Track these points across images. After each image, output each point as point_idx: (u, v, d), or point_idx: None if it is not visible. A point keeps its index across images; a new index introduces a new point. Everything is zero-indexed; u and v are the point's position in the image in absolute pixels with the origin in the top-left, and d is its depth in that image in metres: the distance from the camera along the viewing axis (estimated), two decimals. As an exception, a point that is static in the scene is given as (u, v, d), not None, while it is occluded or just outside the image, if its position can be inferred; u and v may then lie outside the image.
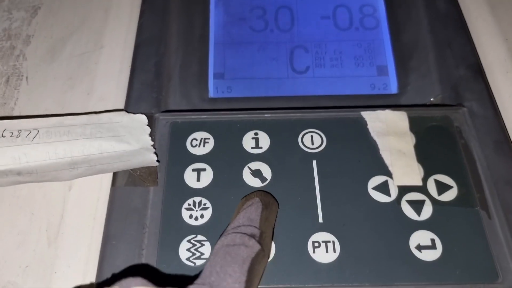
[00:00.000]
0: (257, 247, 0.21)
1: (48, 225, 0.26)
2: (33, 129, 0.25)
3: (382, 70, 0.34)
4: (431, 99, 0.32)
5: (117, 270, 0.24)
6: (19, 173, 0.24)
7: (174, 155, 0.28)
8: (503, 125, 0.28)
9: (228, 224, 0.23)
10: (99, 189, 0.27)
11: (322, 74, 0.34)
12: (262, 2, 0.37)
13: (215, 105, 0.32)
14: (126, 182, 0.27)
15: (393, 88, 0.33)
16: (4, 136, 0.25)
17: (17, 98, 0.31)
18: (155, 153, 0.27)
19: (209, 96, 0.33)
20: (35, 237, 0.25)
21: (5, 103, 0.30)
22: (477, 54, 0.31)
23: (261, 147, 0.28)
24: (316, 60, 0.34)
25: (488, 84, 0.30)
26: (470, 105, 0.29)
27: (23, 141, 0.25)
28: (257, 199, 0.24)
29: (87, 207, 0.27)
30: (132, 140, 0.26)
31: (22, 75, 0.32)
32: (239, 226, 0.22)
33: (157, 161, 0.26)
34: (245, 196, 0.26)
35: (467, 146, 0.28)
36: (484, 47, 0.32)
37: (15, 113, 0.30)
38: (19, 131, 0.25)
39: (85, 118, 0.27)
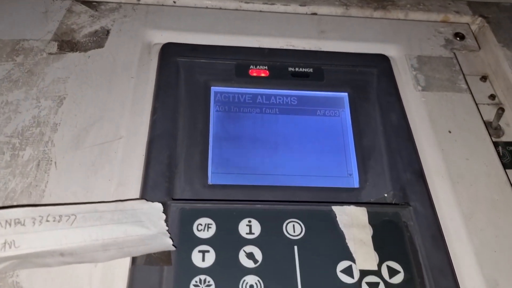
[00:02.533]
0: None
1: (77, 298, 0.31)
2: (72, 215, 0.31)
3: (347, 167, 0.42)
4: (385, 194, 0.40)
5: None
6: (62, 253, 0.30)
7: (183, 238, 0.34)
8: (438, 222, 0.37)
9: None
10: (119, 267, 0.33)
11: (299, 169, 0.42)
12: (253, 104, 0.44)
13: (214, 191, 0.39)
14: (145, 262, 0.33)
15: (356, 183, 0.41)
16: (48, 221, 0.30)
17: (47, 181, 0.36)
18: (170, 237, 0.33)
19: (208, 183, 0.40)
20: (68, 307, 0.31)
21: (36, 185, 0.36)
22: (420, 162, 0.40)
23: (253, 233, 0.35)
24: (295, 157, 0.42)
25: (428, 187, 0.39)
26: (415, 205, 0.38)
27: (64, 225, 0.30)
28: None
29: (109, 283, 0.32)
30: (151, 226, 0.33)
31: (51, 160, 0.37)
32: None
33: (174, 245, 0.33)
34: None
35: (411, 238, 0.36)
36: (425, 155, 0.41)
37: (46, 195, 0.35)
38: (60, 216, 0.31)
39: (113, 205, 0.33)
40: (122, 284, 0.32)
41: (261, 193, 0.39)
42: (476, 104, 0.45)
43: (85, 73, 0.44)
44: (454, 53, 0.50)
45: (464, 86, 0.47)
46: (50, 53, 0.45)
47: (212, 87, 0.45)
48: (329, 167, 0.42)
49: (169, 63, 0.44)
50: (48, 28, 0.47)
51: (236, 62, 0.46)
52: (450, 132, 0.43)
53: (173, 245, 0.33)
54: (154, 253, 0.33)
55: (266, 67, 0.46)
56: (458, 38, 0.51)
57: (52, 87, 0.42)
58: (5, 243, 0.26)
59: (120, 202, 0.33)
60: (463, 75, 0.48)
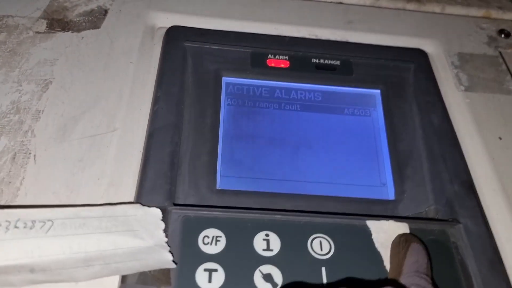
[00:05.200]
0: None
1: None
2: (48, 220, 0.24)
3: (380, 176, 0.36)
4: (426, 208, 0.34)
5: None
6: (32, 269, 0.23)
7: (186, 252, 0.28)
8: (495, 243, 0.31)
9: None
10: (105, 285, 0.26)
11: (325, 175, 0.35)
12: (271, 98, 0.38)
13: (223, 197, 0.33)
14: (137, 280, 0.26)
15: (391, 195, 0.35)
16: (17, 227, 0.24)
17: (23, 178, 0.30)
18: (170, 252, 0.26)
19: (217, 188, 0.33)
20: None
21: (10, 182, 0.29)
22: (469, 172, 0.34)
23: (272, 250, 0.29)
24: (319, 161, 0.36)
25: (480, 201, 0.33)
26: (465, 222, 0.31)
27: (37, 233, 0.24)
28: (420, 246, 0.27)
29: (93, 304, 0.26)
30: (146, 236, 0.26)
31: (30, 153, 0.31)
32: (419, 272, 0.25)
33: (174, 262, 0.26)
34: (402, 234, 0.29)
35: (463, 262, 0.30)
36: (473, 163, 0.35)
37: (21, 193, 0.29)
38: (33, 222, 0.24)
39: (101, 210, 0.26)
40: (108, 309, 0.26)
41: (280, 202, 0.33)
42: (528, 109, 0.39)
43: (77, 56, 0.37)
44: (500, 52, 0.44)
45: (513, 87, 0.41)
46: (38, 32, 0.39)
47: (223, 78, 0.38)
48: (359, 174, 0.36)
49: (175, 48, 0.38)
50: (38, 5, 0.41)
51: (252, 50, 0.40)
52: (500, 138, 0.37)
53: (173, 261, 0.26)
54: (151, 272, 0.26)
55: (287, 57, 0.40)
56: (503, 36, 0.45)
57: (37, 70, 0.36)
58: None
59: (109, 207, 0.27)
60: (511, 75, 0.42)
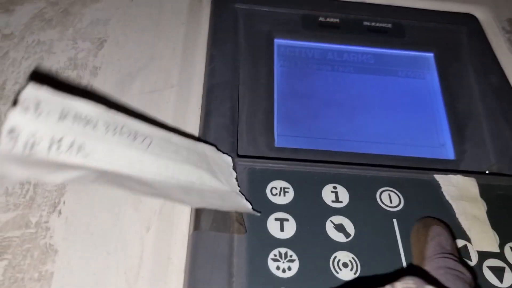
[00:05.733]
0: (470, 277, 0.22)
1: (126, 268, 0.24)
2: (148, 136, 0.23)
3: (439, 136, 0.35)
4: (488, 167, 0.33)
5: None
6: (138, 181, 0.22)
7: (255, 203, 0.27)
8: None
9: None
10: (176, 231, 0.26)
11: (385, 135, 0.35)
12: (324, 60, 0.38)
13: (282, 155, 0.32)
14: (211, 227, 0.25)
15: (450, 154, 0.34)
16: (123, 134, 0.21)
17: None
18: (248, 200, 0.26)
19: (275, 146, 0.33)
20: (113, 279, 0.24)
21: (73, 133, 0.29)
22: (532, 129, 0.33)
23: (341, 201, 0.28)
24: (379, 120, 0.35)
25: (545, 158, 0.32)
26: (534, 177, 0.30)
27: (140, 146, 0.21)
28: (441, 227, 0.26)
29: (165, 250, 0.25)
30: (224, 180, 0.26)
31: (91, 106, 0.30)
32: (444, 253, 0.23)
33: (254, 209, 0.26)
34: (420, 220, 0.27)
35: (535, 216, 0.29)
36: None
37: (84, 145, 0.28)
38: (136, 133, 0.22)
39: (186, 142, 0.25)
40: (180, 254, 0.25)
41: (340, 158, 0.32)
42: None
43: (129, 16, 0.37)
44: (550, 17, 0.43)
45: None
46: (88, -6, 0.38)
47: (275, 39, 0.38)
48: (416, 135, 0.35)
49: (226, 10, 0.38)
50: (86, -32, 0.40)
51: (302, 13, 0.39)
52: (559, 99, 0.36)
53: (253, 208, 0.26)
54: (231, 214, 0.25)
55: (338, 20, 0.39)
56: (552, 2, 0.44)
57: (90, 29, 0.35)
58: (72, 144, 0.18)
59: (192, 141, 0.25)
60: None
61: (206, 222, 0.26)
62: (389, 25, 0.39)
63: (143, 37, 0.36)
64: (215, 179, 0.24)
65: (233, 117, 0.31)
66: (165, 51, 0.35)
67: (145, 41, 0.35)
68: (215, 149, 0.27)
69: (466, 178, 0.30)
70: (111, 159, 0.19)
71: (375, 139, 0.34)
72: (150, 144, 0.21)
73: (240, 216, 0.25)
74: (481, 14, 0.43)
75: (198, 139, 0.30)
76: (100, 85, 0.32)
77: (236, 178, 0.27)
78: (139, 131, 0.21)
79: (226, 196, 0.25)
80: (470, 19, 0.41)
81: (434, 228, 0.26)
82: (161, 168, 0.21)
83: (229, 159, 0.27)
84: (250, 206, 0.25)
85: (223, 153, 0.27)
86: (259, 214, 0.26)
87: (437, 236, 0.25)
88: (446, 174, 0.30)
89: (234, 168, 0.28)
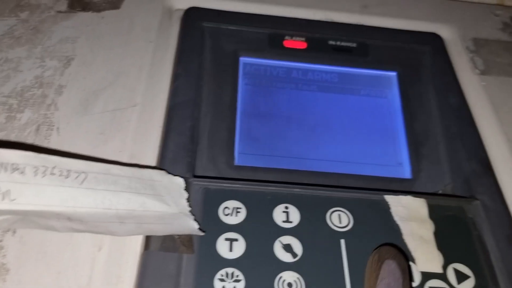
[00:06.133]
0: None
1: (75, 287, 0.25)
2: (82, 172, 0.24)
3: (397, 155, 0.36)
4: (443, 187, 0.34)
5: None
6: (69, 218, 0.23)
7: (207, 223, 0.28)
8: (512, 220, 0.31)
9: None
10: (128, 251, 0.27)
11: (342, 153, 0.36)
12: (287, 78, 0.39)
13: (240, 173, 0.33)
14: (160, 247, 0.26)
15: (407, 173, 0.35)
16: (54, 174, 0.23)
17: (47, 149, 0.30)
18: (195, 220, 0.27)
19: (235, 164, 0.33)
20: (62, 298, 0.24)
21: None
22: (485, 150, 0.34)
23: (291, 222, 0.29)
24: (337, 139, 0.36)
25: (497, 179, 0.33)
26: (483, 199, 0.31)
27: (72, 183, 0.23)
28: (394, 265, 0.25)
29: (115, 269, 0.26)
30: (172, 203, 0.27)
31: (53, 125, 0.31)
32: None
33: (200, 229, 0.27)
34: (376, 251, 0.26)
35: (481, 237, 0.30)
36: (489, 144, 0.35)
37: (44, 164, 0.29)
38: (69, 171, 0.24)
39: (129, 171, 0.26)
40: (131, 273, 0.26)
41: (297, 178, 0.33)
42: (544, 93, 0.39)
43: (98, 34, 0.38)
44: (514, 37, 0.44)
45: (528, 72, 0.41)
46: (59, 11, 0.39)
47: (241, 58, 0.39)
48: (375, 154, 0.36)
49: (193, 28, 0.39)
50: (59, -15, 0.41)
51: (269, 32, 0.40)
52: (516, 120, 0.37)
53: (200, 228, 0.27)
54: (174, 237, 0.26)
55: (304, 39, 0.40)
56: (517, 22, 0.45)
57: (59, 47, 0.36)
58: None
59: (137, 169, 0.27)
60: (526, 60, 0.42)
61: (156, 242, 0.27)
62: (354, 44, 0.40)
63: (110, 54, 0.37)
64: (160, 203, 0.25)
65: (192, 136, 0.32)
66: (131, 69, 0.36)
67: (113, 59, 0.36)
68: (165, 173, 0.28)
69: (416, 198, 0.31)
70: (40, 200, 0.20)
71: (334, 158, 0.35)
72: (84, 180, 0.22)
73: (186, 238, 0.26)
74: (447, 33, 0.44)
75: (160, 157, 0.31)
76: (64, 103, 0.33)
77: (188, 199, 0.28)
78: (73, 168, 0.22)
79: (171, 220, 0.25)
80: (434, 38, 0.42)
81: (386, 265, 0.25)
82: (97, 201, 0.23)
83: (180, 180, 0.28)
84: (196, 227, 0.26)
85: (175, 175, 0.28)
86: (202, 234, 0.27)
87: (387, 276, 0.25)
88: (397, 195, 0.31)
89: (187, 189, 0.29)
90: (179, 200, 0.27)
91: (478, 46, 0.42)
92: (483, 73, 0.40)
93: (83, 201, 0.23)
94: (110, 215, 0.23)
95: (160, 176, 0.27)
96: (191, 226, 0.26)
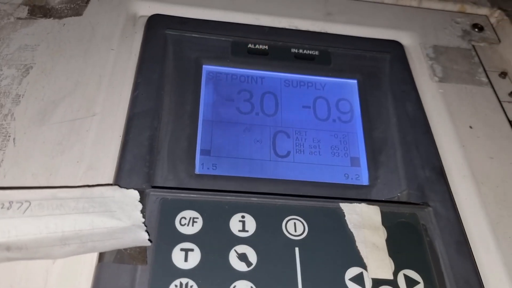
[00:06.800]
0: None
1: (28, 300, 0.25)
2: (25, 201, 0.25)
3: (355, 162, 0.37)
4: (398, 194, 0.35)
5: None
6: (8, 248, 0.24)
7: (163, 233, 0.28)
8: (462, 226, 0.32)
9: None
10: (83, 263, 0.27)
11: (301, 160, 0.36)
12: (250, 86, 0.39)
13: (201, 182, 0.33)
14: (114, 259, 0.27)
15: (365, 180, 0.36)
16: None
17: (2, 160, 0.30)
18: (146, 231, 0.27)
19: (195, 172, 0.34)
20: (14, 312, 0.25)
21: (-11, 164, 0.30)
22: (440, 158, 0.35)
23: (247, 231, 0.29)
24: (297, 146, 0.37)
25: (449, 186, 0.34)
26: (435, 206, 0.32)
27: (14, 214, 0.24)
28: None
29: (70, 282, 0.26)
30: (124, 217, 0.27)
31: (10, 136, 0.31)
32: None
33: (149, 240, 0.27)
34: None
35: (431, 244, 0.31)
36: (444, 151, 0.36)
37: (-1, 175, 0.29)
38: (11, 203, 0.25)
39: (78, 191, 0.27)
40: (86, 285, 0.26)
41: (257, 186, 0.33)
42: (499, 100, 0.41)
43: (58, 42, 0.38)
44: (473, 45, 0.45)
45: (484, 79, 0.42)
46: (19, 18, 0.39)
47: (204, 65, 0.39)
48: (334, 161, 0.37)
49: (156, 36, 0.39)
50: (19, -9, 0.41)
51: (232, 39, 0.40)
52: (471, 127, 0.38)
53: (148, 239, 0.27)
54: (126, 249, 0.27)
55: (266, 47, 0.41)
56: (476, 30, 0.46)
57: (17, 55, 0.36)
58: None
59: (87, 188, 0.27)
60: (483, 68, 0.43)
61: (111, 254, 0.27)
62: (316, 52, 0.41)
63: (71, 63, 0.36)
64: (110, 219, 0.26)
65: (151, 146, 0.32)
66: (91, 78, 0.36)
67: (73, 68, 0.36)
68: (117, 187, 0.28)
69: (370, 206, 0.32)
70: None
71: (294, 166, 0.36)
72: (27, 208, 0.23)
73: (135, 250, 0.27)
74: (408, 41, 0.44)
75: (118, 168, 0.31)
76: (21, 113, 0.33)
77: (143, 210, 0.28)
78: (15, 199, 0.23)
79: (121, 234, 0.26)
80: (395, 46, 0.43)
81: None
82: (40, 227, 0.23)
83: (134, 193, 0.28)
84: (146, 238, 0.27)
85: (130, 187, 0.28)
86: (150, 244, 0.27)
87: None
88: (352, 203, 0.32)
89: (144, 200, 0.29)
90: (132, 213, 0.27)
91: (437, 54, 0.43)
92: (441, 80, 0.41)
93: (26, 229, 0.24)
94: (53, 239, 0.24)
95: (112, 192, 0.27)
96: (141, 238, 0.26)
